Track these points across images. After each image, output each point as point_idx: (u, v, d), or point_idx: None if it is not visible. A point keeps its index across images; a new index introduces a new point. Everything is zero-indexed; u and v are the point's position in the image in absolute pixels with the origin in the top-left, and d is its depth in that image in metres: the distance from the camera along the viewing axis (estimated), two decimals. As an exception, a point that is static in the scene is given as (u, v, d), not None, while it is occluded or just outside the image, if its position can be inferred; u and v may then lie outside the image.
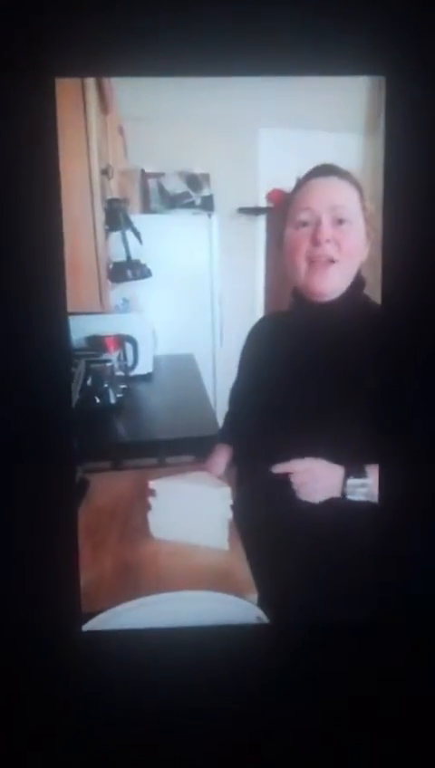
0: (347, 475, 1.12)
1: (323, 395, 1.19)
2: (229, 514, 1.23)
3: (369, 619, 1.03)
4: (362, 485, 1.11)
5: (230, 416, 1.54)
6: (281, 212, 1.28)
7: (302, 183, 1.23)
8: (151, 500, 1.26)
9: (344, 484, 1.12)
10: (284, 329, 1.36)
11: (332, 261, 1.18)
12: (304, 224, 1.20)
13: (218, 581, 1.11)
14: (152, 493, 1.26)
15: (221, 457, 1.45)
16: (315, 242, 1.17)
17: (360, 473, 1.12)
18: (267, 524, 1.25)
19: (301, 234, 1.20)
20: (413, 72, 0.94)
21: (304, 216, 1.20)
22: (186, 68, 0.95)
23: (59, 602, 0.99)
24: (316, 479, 1.13)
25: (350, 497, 1.12)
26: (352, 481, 1.11)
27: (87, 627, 0.98)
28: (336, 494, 1.13)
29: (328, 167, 1.22)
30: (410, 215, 0.97)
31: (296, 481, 1.14)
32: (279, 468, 1.15)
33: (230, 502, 1.22)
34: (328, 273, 1.18)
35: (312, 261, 1.19)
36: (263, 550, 1.23)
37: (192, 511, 1.24)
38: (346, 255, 1.18)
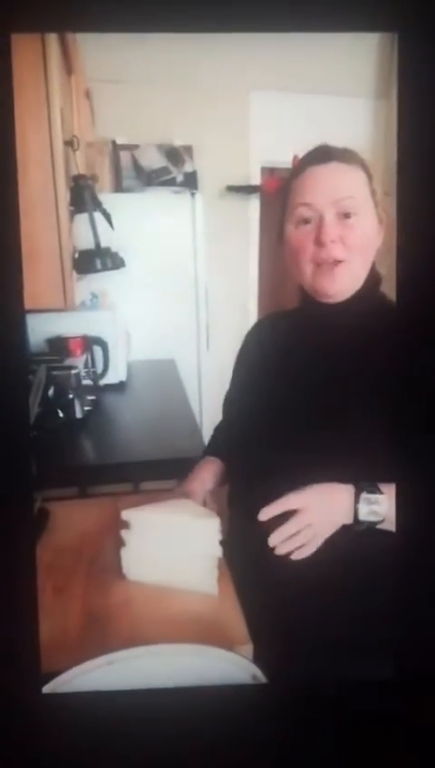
0: (359, 492, 1.11)
1: (334, 404, 1.19)
2: (219, 552, 1.22)
3: (388, 677, 1.02)
4: (377, 502, 1.10)
5: (223, 427, 1.54)
6: (280, 203, 1.28)
7: (298, 171, 1.23)
8: (125, 534, 1.24)
9: (357, 501, 1.10)
10: (288, 330, 1.36)
11: (340, 261, 1.18)
12: (306, 221, 1.20)
13: (205, 632, 1.10)
14: (126, 525, 1.24)
15: (208, 473, 1.44)
16: (319, 243, 1.18)
17: (373, 488, 1.11)
18: (264, 562, 1.24)
19: (302, 233, 1.20)
20: (430, 26, 0.94)
21: (304, 212, 1.20)
22: (164, 22, 0.94)
23: (14, 659, 0.97)
24: (322, 512, 1.11)
25: (363, 518, 1.10)
26: (365, 496, 1.10)
27: (48, 688, 0.97)
28: (348, 518, 1.11)
29: (325, 150, 1.22)
30: (429, 192, 0.96)
31: (291, 530, 1.09)
32: (270, 511, 1.09)
33: (220, 536, 1.21)
34: (336, 274, 1.19)
35: (318, 263, 1.19)
36: (259, 593, 1.22)
37: (174, 547, 1.23)
38: (357, 252, 1.19)
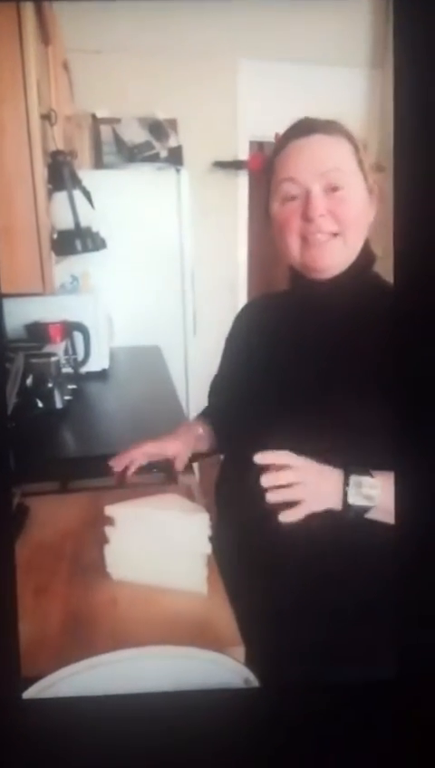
0: (348, 475, 1.10)
1: (326, 388, 1.19)
2: (208, 548, 1.21)
3: (388, 679, 1.02)
4: (367, 486, 1.09)
5: (207, 413, 1.55)
6: (265, 180, 1.27)
7: (280, 147, 1.23)
8: (109, 530, 1.24)
9: (347, 483, 1.09)
10: (279, 312, 1.36)
11: (330, 234, 1.18)
12: (292, 197, 1.19)
13: (195, 634, 1.10)
14: (110, 521, 1.24)
15: (192, 435, 1.48)
16: (307, 218, 1.17)
17: (363, 471, 1.10)
18: (255, 556, 1.24)
19: (289, 209, 1.20)
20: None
21: (289, 188, 1.19)
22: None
23: (-8, 664, 0.97)
24: (314, 481, 1.10)
25: (353, 502, 1.09)
26: (355, 478, 1.09)
27: (28, 694, 0.96)
28: (337, 501, 1.10)
29: (307, 123, 1.21)
30: (428, 166, 0.96)
31: (283, 479, 1.05)
32: (266, 458, 1.06)
33: (209, 532, 1.21)
34: (326, 247, 1.18)
35: (305, 238, 1.19)
36: (250, 592, 1.22)
37: (161, 544, 1.22)
38: (348, 226, 1.18)
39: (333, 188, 1.17)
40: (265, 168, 1.29)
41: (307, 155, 1.18)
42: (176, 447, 1.44)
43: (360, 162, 1.20)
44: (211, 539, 1.20)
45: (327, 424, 1.16)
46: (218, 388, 1.52)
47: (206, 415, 1.58)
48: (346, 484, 1.08)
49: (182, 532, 1.21)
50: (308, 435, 1.13)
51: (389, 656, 0.99)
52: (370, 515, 1.09)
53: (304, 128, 1.20)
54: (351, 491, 1.08)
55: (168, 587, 1.21)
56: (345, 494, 1.08)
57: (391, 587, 1.03)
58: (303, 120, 1.22)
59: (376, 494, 1.08)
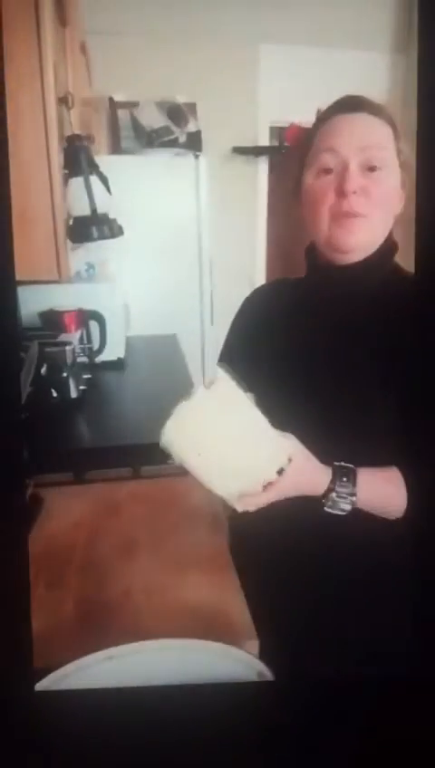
0: (334, 479, 1.10)
1: (337, 379, 1.19)
2: (272, 476, 1.08)
3: (404, 676, 1.02)
4: (351, 494, 1.09)
5: None
6: (298, 154, 1.27)
7: (323, 119, 1.22)
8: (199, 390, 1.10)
9: (332, 486, 1.09)
10: (292, 296, 1.35)
11: (360, 215, 1.17)
12: (327, 170, 1.19)
13: (208, 626, 1.10)
14: (210, 382, 1.10)
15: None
16: (341, 193, 1.17)
17: (348, 479, 1.10)
18: (271, 549, 1.24)
19: (323, 183, 1.19)
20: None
21: (327, 160, 1.18)
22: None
23: (4, 655, 0.98)
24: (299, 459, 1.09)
25: (328, 506, 1.10)
26: (340, 488, 1.09)
27: (41, 686, 0.97)
28: (318, 490, 1.10)
29: (356, 99, 1.21)
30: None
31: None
32: None
33: (283, 464, 1.08)
34: (355, 227, 1.18)
35: (335, 216, 1.18)
36: (265, 585, 1.22)
37: (238, 437, 1.08)
38: (378, 208, 1.18)
39: (370, 167, 1.16)
40: (301, 142, 1.28)
41: (350, 129, 1.18)
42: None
43: (398, 151, 1.20)
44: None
45: (343, 416, 1.16)
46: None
47: None
48: (330, 491, 1.08)
49: (265, 442, 1.09)
50: (317, 428, 1.13)
51: (406, 652, 0.99)
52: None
53: (352, 104, 1.20)
54: (329, 499, 1.08)
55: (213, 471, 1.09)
56: (324, 499, 1.09)
57: (408, 583, 1.03)
58: (352, 95, 1.21)
59: (350, 507, 1.08)
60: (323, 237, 1.21)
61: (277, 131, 4.60)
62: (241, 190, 4.62)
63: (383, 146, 1.17)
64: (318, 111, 1.25)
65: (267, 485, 1.05)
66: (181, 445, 1.09)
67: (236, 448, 1.07)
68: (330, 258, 1.22)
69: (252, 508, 1.06)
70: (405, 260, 1.19)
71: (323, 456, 1.10)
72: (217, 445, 1.07)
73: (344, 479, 1.09)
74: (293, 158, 1.30)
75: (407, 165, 1.20)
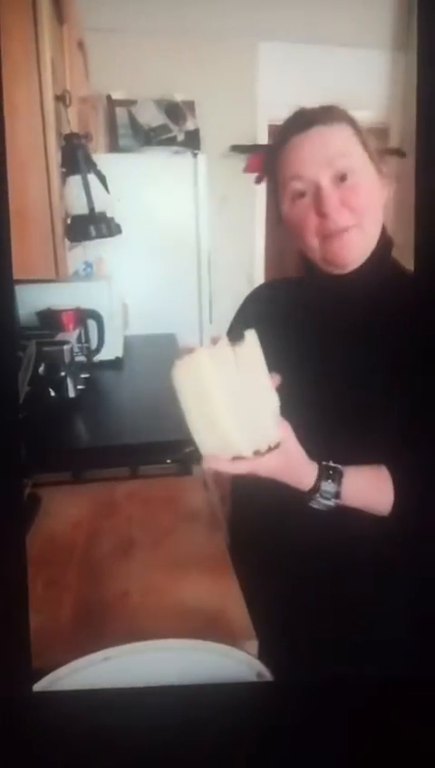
0: (320, 477, 1.09)
1: (337, 378, 1.19)
2: (275, 439, 1.06)
3: (404, 677, 1.02)
4: (336, 495, 1.09)
5: None
6: (269, 184, 1.26)
7: (279, 143, 1.21)
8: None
9: (317, 484, 1.09)
10: (293, 296, 1.35)
11: (348, 228, 1.16)
12: (301, 194, 1.18)
13: (207, 627, 1.10)
14: (215, 339, 1.05)
15: None
16: (321, 214, 1.16)
17: (334, 480, 1.10)
18: (271, 548, 1.24)
19: (301, 207, 1.18)
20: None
21: (297, 186, 1.17)
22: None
23: (2, 655, 0.98)
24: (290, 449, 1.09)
25: (312, 503, 1.10)
26: (324, 487, 1.09)
27: (39, 686, 0.97)
28: (303, 485, 1.10)
29: (305, 115, 1.18)
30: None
31: None
32: None
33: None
34: (347, 241, 1.16)
35: (325, 236, 1.17)
36: (265, 584, 1.22)
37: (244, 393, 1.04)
38: (363, 213, 1.17)
39: (341, 177, 1.15)
40: (267, 170, 1.27)
41: (308, 149, 1.16)
42: None
43: (364, 144, 1.18)
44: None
45: (336, 418, 1.16)
46: None
47: None
48: (315, 488, 1.08)
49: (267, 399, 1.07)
50: (317, 427, 1.13)
51: (406, 653, 0.99)
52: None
53: (302, 122, 1.17)
54: (314, 498, 1.08)
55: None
56: (310, 492, 1.08)
57: (410, 583, 1.03)
58: (298, 112, 1.20)
59: (334, 505, 1.08)
60: (317, 256, 1.20)
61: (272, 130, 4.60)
62: (239, 189, 4.61)
63: (346, 151, 1.15)
64: (270, 129, 1.24)
65: (236, 459, 1.03)
66: (187, 384, 1.05)
67: (229, 409, 1.03)
68: (327, 269, 1.22)
69: (214, 470, 1.04)
70: (405, 260, 1.18)
71: (317, 451, 1.10)
72: (217, 397, 1.03)
73: (330, 480, 1.08)
74: (269, 187, 1.28)
75: (375, 154, 1.19)
